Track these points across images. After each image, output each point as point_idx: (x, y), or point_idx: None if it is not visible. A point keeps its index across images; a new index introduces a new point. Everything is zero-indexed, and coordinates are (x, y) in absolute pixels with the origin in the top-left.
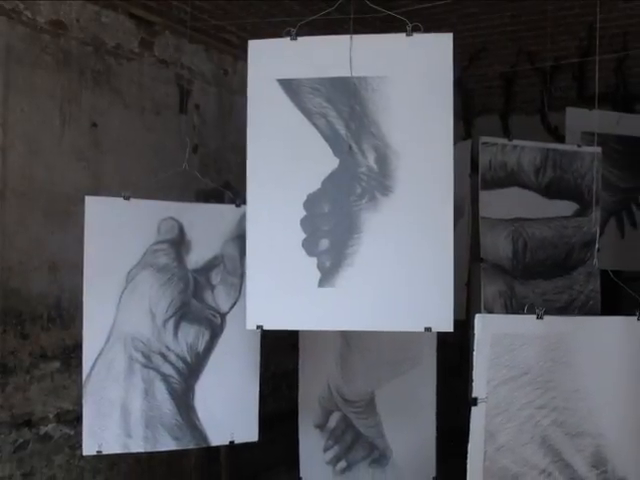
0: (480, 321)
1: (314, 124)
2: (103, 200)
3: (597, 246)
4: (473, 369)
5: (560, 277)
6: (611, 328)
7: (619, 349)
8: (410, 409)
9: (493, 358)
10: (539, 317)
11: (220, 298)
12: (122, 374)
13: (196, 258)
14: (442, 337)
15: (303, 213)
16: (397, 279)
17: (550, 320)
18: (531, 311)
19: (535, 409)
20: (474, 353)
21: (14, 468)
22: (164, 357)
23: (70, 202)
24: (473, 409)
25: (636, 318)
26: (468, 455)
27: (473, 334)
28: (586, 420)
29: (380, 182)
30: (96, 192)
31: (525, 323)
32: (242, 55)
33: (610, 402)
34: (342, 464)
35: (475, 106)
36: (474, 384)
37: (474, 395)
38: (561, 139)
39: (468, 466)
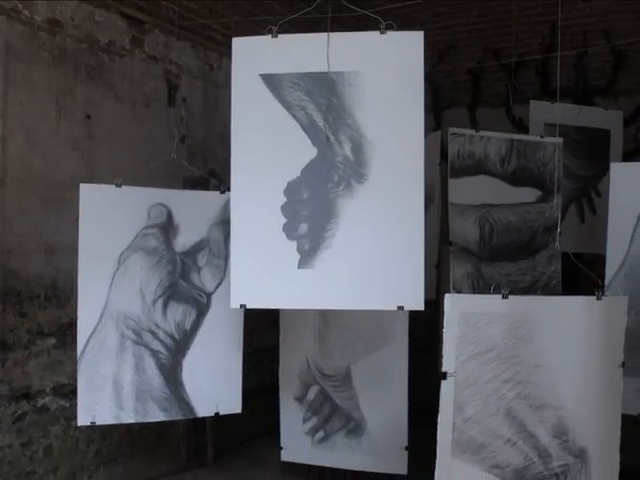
0: (449, 300)
1: (294, 116)
2: (96, 187)
3: (559, 230)
4: (443, 345)
5: (524, 259)
6: (572, 307)
7: (579, 326)
8: (384, 383)
9: (461, 335)
10: (504, 297)
11: (206, 279)
12: (114, 350)
13: (183, 241)
14: (414, 315)
15: (284, 199)
16: (371, 261)
17: (514, 299)
18: (497, 291)
19: (501, 383)
20: (443, 330)
21: (13, 438)
22: (153, 334)
23: (66, 189)
24: (443, 383)
25: (595, 297)
26: (438, 426)
27: (443, 313)
28: (548, 393)
29: (356, 170)
30: (90, 180)
31: (491, 302)
32: (227, 52)
33: (571, 376)
34: (320, 434)
35: (444, 99)
36: (443, 359)
37: (443, 370)
38: (525, 130)
39: (438, 436)
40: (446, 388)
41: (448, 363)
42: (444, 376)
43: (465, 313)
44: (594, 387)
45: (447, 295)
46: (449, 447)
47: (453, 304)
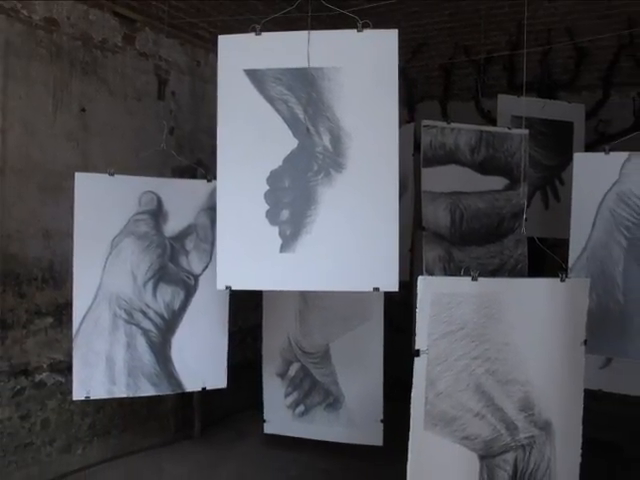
0: (422, 282)
1: (276, 109)
2: (91, 176)
3: (525, 216)
4: (416, 324)
5: (492, 243)
6: (537, 288)
7: (544, 307)
8: (361, 360)
9: (433, 315)
10: (474, 279)
11: (193, 262)
12: (107, 329)
13: (172, 227)
14: (389, 296)
15: (266, 187)
16: (349, 245)
17: (483, 281)
18: (467, 273)
19: (470, 359)
20: (417, 310)
21: (13, 411)
22: (144, 314)
23: (62, 178)
24: (416, 360)
25: (559, 280)
26: (411, 400)
27: (416, 294)
28: (515, 369)
29: (334, 160)
30: (85, 169)
31: (461, 284)
32: (213, 48)
33: (536, 353)
34: (301, 408)
35: (417, 93)
36: (417, 338)
37: (417, 347)
38: (493, 122)
39: (412, 410)
40: (419, 365)
41: (421, 341)
42: (417, 353)
43: (437, 294)
44: (558, 364)
45: (420, 277)
46: (422, 420)
47: (426, 286)
